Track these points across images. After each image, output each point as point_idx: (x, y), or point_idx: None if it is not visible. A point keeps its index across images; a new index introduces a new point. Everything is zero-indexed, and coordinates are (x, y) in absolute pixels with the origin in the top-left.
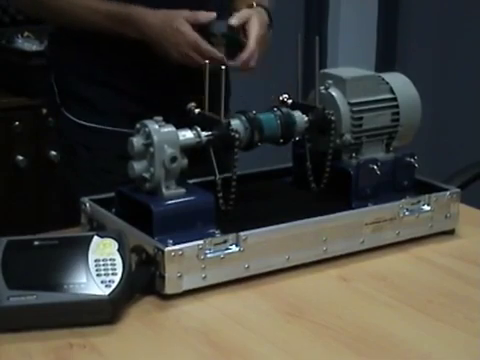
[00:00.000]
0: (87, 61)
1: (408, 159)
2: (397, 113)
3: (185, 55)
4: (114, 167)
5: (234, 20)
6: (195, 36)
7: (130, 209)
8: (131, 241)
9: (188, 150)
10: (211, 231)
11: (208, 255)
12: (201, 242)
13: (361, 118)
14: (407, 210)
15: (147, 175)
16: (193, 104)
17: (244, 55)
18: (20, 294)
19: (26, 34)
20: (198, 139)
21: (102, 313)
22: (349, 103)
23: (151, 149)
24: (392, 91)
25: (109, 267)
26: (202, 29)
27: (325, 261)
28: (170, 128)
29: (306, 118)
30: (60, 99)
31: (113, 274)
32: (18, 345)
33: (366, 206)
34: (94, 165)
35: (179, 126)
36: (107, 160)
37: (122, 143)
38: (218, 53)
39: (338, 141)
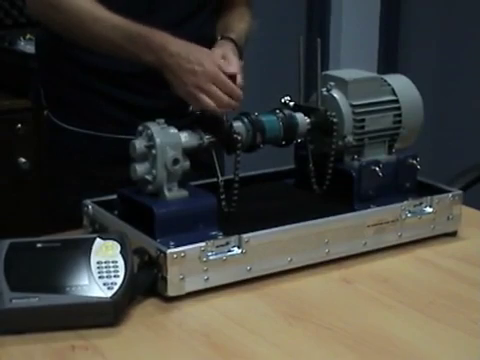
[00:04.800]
0: (73, 66)
1: (410, 161)
2: (399, 115)
3: (198, 87)
4: (97, 172)
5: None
6: (217, 70)
7: (132, 211)
8: (133, 243)
9: (190, 152)
10: (213, 233)
11: (210, 257)
12: (203, 244)
13: (363, 120)
14: (409, 212)
15: (149, 177)
16: None
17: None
18: (22, 296)
19: (28, 36)
20: (200, 141)
21: (104, 315)
22: (351, 105)
23: (153, 151)
24: (394, 93)
25: (111, 269)
26: None
27: (327, 263)
28: (172, 130)
29: (308, 120)
30: (46, 102)
31: (115, 276)
32: (20, 347)
33: (368, 208)
34: (76, 169)
35: (181, 128)
36: (90, 165)
37: (106, 149)
38: (237, 89)
39: (340, 143)
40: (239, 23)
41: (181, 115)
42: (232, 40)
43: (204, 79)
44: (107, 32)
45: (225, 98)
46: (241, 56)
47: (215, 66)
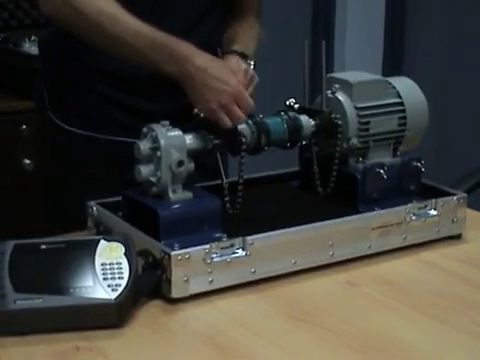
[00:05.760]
0: (77, 68)
1: (415, 163)
2: (404, 117)
3: (221, 106)
4: (99, 173)
5: None
6: (241, 89)
7: (137, 213)
8: (138, 245)
9: (195, 154)
10: (218, 235)
11: (215, 259)
12: (207, 246)
13: (368, 122)
14: (414, 214)
15: (154, 179)
16: None
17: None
18: (27, 297)
19: (33, 38)
20: (205, 143)
21: (108, 317)
22: (356, 107)
23: (158, 153)
24: (399, 95)
25: (115, 271)
26: None
27: (332, 265)
28: (177, 132)
29: (313, 122)
30: (49, 103)
31: (119, 278)
32: (24, 348)
33: (373, 210)
34: (78, 170)
35: (186, 130)
36: (92, 166)
37: (108, 150)
38: (253, 104)
39: (345, 145)
40: (245, 36)
41: (186, 118)
42: (236, 52)
43: (229, 99)
44: (128, 37)
45: (243, 116)
46: (249, 64)
47: (240, 86)
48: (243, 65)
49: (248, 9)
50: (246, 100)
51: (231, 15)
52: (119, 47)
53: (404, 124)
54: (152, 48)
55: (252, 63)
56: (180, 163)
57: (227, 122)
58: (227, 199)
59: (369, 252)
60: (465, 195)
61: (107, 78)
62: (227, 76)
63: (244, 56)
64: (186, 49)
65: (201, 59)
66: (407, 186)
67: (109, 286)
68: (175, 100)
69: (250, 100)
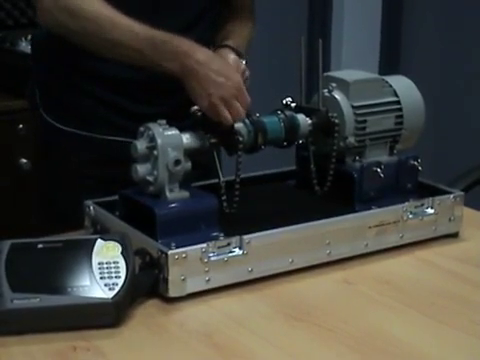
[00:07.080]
0: (70, 69)
1: (412, 162)
2: (401, 116)
3: (222, 100)
4: (94, 172)
5: None
6: (242, 84)
7: (134, 212)
8: (135, 244)
9: (192, 154)
10: (215, 234)
11: (212, 258)
12: (204, 245)
13: (365, 121)
14: (411, 213)
15: (151, 178)
16: (196, 107)
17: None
18: (24, 297)
19: (29, 37)
20: (202, 142)
21: (106, 316)
22: (353, 106)
23: (155, 152)
24: (396, 94)
25: (113, 270)
26: None
27: (329, 264)
28: (174, 131)
29: (310, 121)
30: (40, 101)
31: (117, 277)
32: (22, 348)
33: (370, 209)
34: (72, 169)
35: (182, 129)
36: (86, 165)
37: (103, 150)
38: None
39: (342, 144)
40: (238, 34)
41: (183, 118)
42: (230, 47)
43: (229, 93)
44: (127, 38)
45: (243, 112)
46: (241, 56)
47: (241, 81)
48: (242, 64)
49: (241, 8)
50: (245, 96)
51: (225, 14)
52: (119, 50)
53: (401, 123)
54: (152, 47)
55: (244, 62)
56: (177, 162)
57: (228, 117)
58: (224, 198)
59: (366, 251)
60: (462, 193)
61: (102, 81)
62: (228, 71)
63: (238, 53)
64: (186, 45)
65: (202, 54)
66: (404, 185)
67: (106, 285)
68: (172, 102)
69: (248, 96)
